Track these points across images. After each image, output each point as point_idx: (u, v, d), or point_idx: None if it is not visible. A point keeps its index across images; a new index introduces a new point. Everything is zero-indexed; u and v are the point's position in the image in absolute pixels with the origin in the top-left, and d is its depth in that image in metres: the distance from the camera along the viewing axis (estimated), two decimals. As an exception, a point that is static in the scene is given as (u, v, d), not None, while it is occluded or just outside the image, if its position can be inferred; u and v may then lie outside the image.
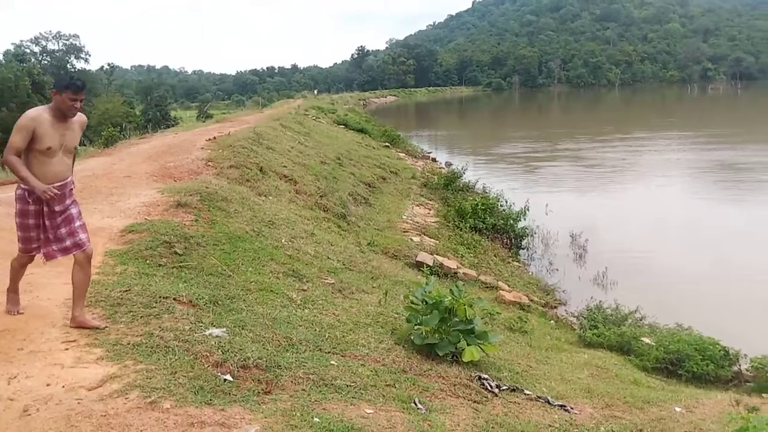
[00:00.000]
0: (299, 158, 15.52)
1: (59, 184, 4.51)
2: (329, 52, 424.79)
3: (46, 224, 4.54)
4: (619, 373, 7.20)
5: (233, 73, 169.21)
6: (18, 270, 4.84)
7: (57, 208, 4.54)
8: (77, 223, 4.65)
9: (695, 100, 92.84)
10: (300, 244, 8.47)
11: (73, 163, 4.83)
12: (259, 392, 4.18)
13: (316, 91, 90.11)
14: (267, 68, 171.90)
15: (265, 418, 3.78)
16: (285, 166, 13.62)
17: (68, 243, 4.58)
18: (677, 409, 6.03)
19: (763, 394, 7.31)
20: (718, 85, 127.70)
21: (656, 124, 50.53)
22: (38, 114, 4.37)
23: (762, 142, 35.42)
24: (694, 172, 26.83)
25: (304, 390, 4.34)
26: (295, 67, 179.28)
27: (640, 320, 9.51)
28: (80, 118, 4.68)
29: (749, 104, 78.47)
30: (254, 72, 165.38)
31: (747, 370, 7.92)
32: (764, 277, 8.75)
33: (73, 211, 4.66)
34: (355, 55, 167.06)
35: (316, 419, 3.87)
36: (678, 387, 7.27)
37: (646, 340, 8.50)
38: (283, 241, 8.27)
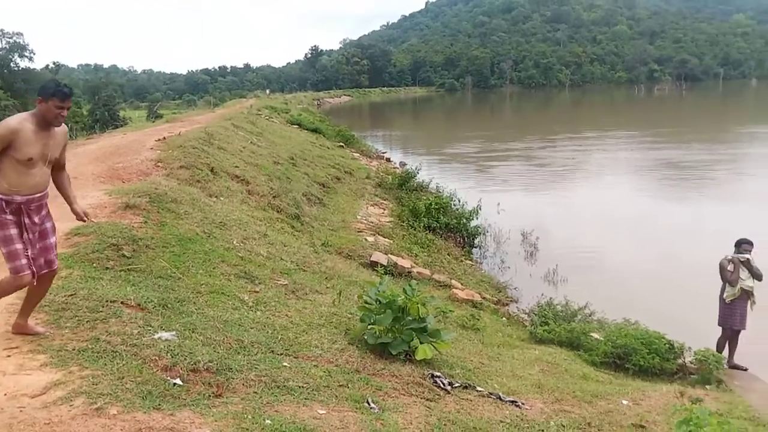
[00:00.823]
0: (252, 158, 15.37)
1: (39, 195, 4.29)
2: (282, 52, 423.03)
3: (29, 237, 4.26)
4: (568, 368, 7.34)
5: (184, 73, 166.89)
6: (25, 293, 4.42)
7: (36, 220, 4.30)
8: (51, 240, 4.43)
9: (642, 101, 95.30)
10: (252, 245, 8.39)
11: (66, 177, 4.61)
12: (209, 396, 4.13)
13: (268, 91, 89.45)
14: (219, 68, 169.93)
15: (216, 421, 3.74)
16: (237, 167, 13.47)
17: (41, 260, 4.34)
18: (624, 402, 6.19)
19: (706, 386, 7.56)
20: (664, 86, 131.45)
21: (605, 124, 51.74)
22: (20, 123, 4.11)
23: (705, 141, 36.61)
24: (641, 170, 27.57)
25: (255, 392, 4.31)
26: (247, 66, 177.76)
27: (590, 316, 9.73)
28: (64, 131, 4.44)
29: (693, 104, 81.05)
30: (206, 71, 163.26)
31: (691, 362, 8.16)
32: (708, 270, 9.01)
33: (47, 225, 4.42)
34: (309, 55, 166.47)
35: (267, 421, 3.84)
36: (625, 380, 7.45)
37: (595, 335, 8.70)
38: (234, 242, 8.18)
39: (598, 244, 15.25)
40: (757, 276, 8.43)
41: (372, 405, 4.57)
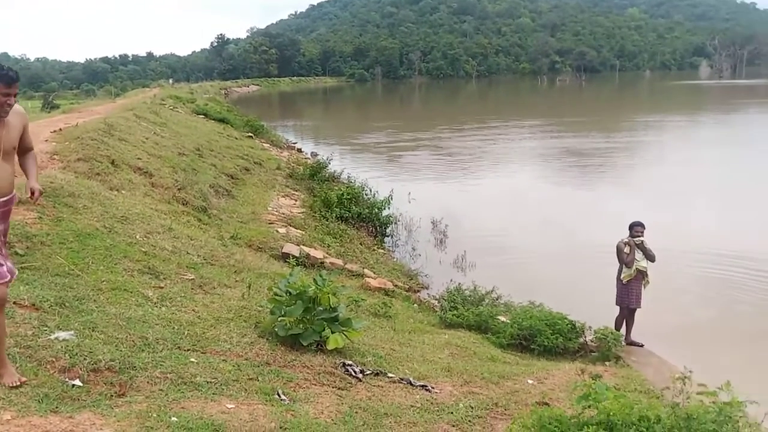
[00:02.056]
0: (155, 150, 14.85)
1: (4, 199, 3.79)
2: (187, 40, 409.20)
3: None
4: (477, 350, 7.54)
5: (82, 61, 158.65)
6: None
7: (1, 227, 3.84)
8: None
9: (545, 91, 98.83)
10: (156, 239, 8.12)
11: (31, 169, 4.13)
12: (111, 395, 4.00)
13: (171, 81, 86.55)
14: (120, 56, 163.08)
15: (118, 421, 3.62)
16: (139, 159, 12.98)
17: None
18: (530, 382, 6.43)
19: (605, 362, 7.95)
20: (565, 77, 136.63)
21: (510, 113, 53.34)
22: None
23: (603, 130, 38.44)
24: (544, 158, 28.61)
25: (161, 390, 4.20)
26: (150, 55, 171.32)
27: (497, 299, 10.01)
28: (19, 113, 3.90)
29: (592, 95, 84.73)
30: (106, 60, 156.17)
31: (591, 341, 8.56)
32: (605, 250, 9.48)
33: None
34: (215, 44, 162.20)
35: (173, 419, 3.75)
36: (531, 361, 7.73)
37: (502, 318, 8.96)
38: (137, 237, 7.89)
39: (504, 229, 15.72)
40: (650, 257, 8.93)
41: (282, 397, 4.54)
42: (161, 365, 4.55)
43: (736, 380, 4.66)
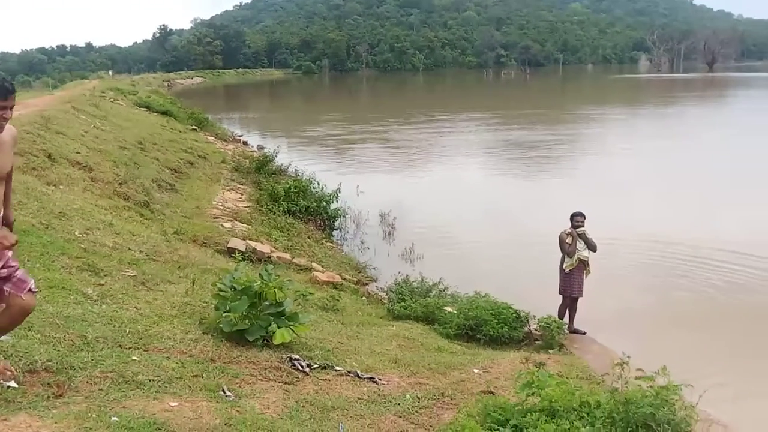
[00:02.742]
0: (95, 143, 14.42)
1: None
2: (128, 31, 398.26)
3: None
4: (424, 342, 7.61)
5: (17, 52, 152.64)
6: None
7: None
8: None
9: (491, 85, 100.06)
10: (96, 235, 7.90)
11: (8, 195, 3.75)
12: (49, 397, 3.87)
13: (111, 72, 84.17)
14: (57, 46, 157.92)
15: (56, 423, 3.51)
16: (78, 153, 12.59)
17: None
18: (475, 371, 6.52)
19: (549, 351, 8.11)
20: (510, 70, 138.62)
21: (457, 107, 53.76)
22: None
23: (547, 122, 39.20)
24: (490, 150, 29.01)
25: (101, 390, 4.09)
26: (89, 45, 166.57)
27: (444, 290, 10.10)
28: (10, 131, 3.56)
29: (536, 88, 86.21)
30: (42, 51, 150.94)
31: (536, 329, 8.72)
32: (549, 240, 9.67)
33: (9, 254, 3.64)
34: (158, 35, 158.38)
35: (114, 419, 3.66)
36: (477, 350, 7.83)
37: (449, 308, 9.05)
38: (76, 233, 7.66)
39: (451, 221, 15.86)
40: (591, 247, 9.16)
41: (228, 393, 4.49)
42: (101, 364, 4.44)
43: (674, 365, 4.84)
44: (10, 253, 3.65)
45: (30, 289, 3.73)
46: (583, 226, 9.12)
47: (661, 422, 4.25)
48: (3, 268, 3.60)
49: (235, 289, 5.85)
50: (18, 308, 3.72)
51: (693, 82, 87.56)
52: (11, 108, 3.43)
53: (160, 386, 4.34)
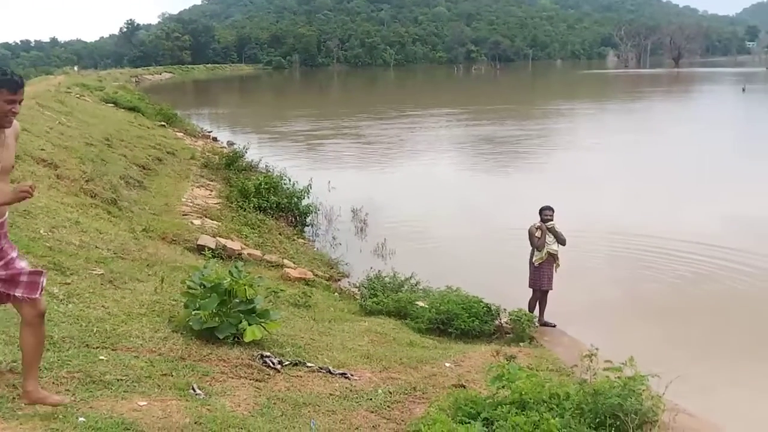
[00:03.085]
0: (60, 140, 14.14)
1: (1, 220, 3.40)
2: (94, 25, 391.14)
3: None
4: (396, 336, 7.62)
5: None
6: None
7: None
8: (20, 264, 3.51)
9: (461, 80, 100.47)
10: (62, 234, 7.75)
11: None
12: (13, 398, 3.79)
13: (77, 67, 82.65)
14: (21, 41, 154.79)
15: (21, 425, 3.46)
16: (43, 149, 12.33)
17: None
18: (447, 365, 6.56)
19: (520, 344, 8.19)
20: (480, 66, 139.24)
21: (427, 102, 53.92)
22: None
23: (517, 117, 39.49)
24: (461, 146, 29.17)
25: (68, 390, 4.03)
26: (54, 40, 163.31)
27: (416, 285, 10.12)
28: (14, 126, 3.48)
29: (506, 84, 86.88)
30: (6, 46, 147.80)
31: (506, 323, 8.79)
32: (519, 234, 9.76)
33: (13, 254, 3.50)
34: (125, 29, 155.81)
35: (81, 419, 3.61)
36: (449, 344, 7.87)
37: (421, 303, 9.07)
38: (41, 231, 7.51)
39: (423, 216, 15.89)
40: (561, 241, 9.25)
41: (198, 391, 4.45)
42: (68, 364, 4.37)
43: (641, 356, 4.93)
44: (14, 253, 3.50)
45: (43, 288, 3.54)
46: (552, 220, 9.21)
47: (628, 412, 4.33)
48: (3, 269, 3.43)
49: (204, 286, 5.80)
50: (39, 316, 3.52)
51: (659, 78, 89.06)
52: (20, 102, 3.38)
53: (128, 386, 4.29)
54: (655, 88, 67.72)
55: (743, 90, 58.90)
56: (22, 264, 3.53)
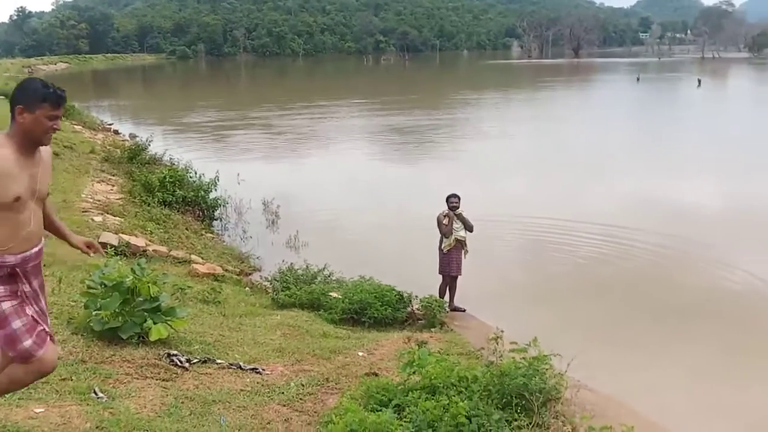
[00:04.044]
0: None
1: (36, 249, 3.08)
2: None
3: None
4: (309, 328, 7.58)
5: None
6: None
7: (35, 285, 3.14)
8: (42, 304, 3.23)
9: (370, 70, 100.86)
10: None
11: (52, 208, 3.36)
12: None
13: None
14: None
15: None
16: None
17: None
18: (360, 354, 6.59)
19: (431, 329, 8.33)
20: (389, 56, 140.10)
21: (337, 92, 53.81)
22: None
23: (425, 107, 40.08)
24: (371, 136, 29.28)
25: (-45, 401, 3.77)
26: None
27: (329, 276, 10.10)
28: (46, 148, 3.11)
29: (414, 74, 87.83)
30: None
31: (418, 309, 8.92)
32: (429, 223, 9.91)
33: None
34: (15, 17, 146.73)
35: (-30, 432, 3.39)
36: (362, 333, 7.90)
37: (334, 294, 9.06)
38: None
39: (335, 206, 15.86)
40: (469, 228, 9.46)
41: (99, 395, 4.28)
42: (-46, 375, 4.08)
43: (545, 336, 5.12)
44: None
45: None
46: (458, 207, 9.39)
47: (533, 391, 4.50)
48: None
49: (105, 285, 5.56)
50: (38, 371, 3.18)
51: (561, 68, 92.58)
52: (59, 118, 3.05)
53: (23, 393, 4.05)
54: (556, 78, 70.34)
55: (638, 79, 62.18)
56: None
